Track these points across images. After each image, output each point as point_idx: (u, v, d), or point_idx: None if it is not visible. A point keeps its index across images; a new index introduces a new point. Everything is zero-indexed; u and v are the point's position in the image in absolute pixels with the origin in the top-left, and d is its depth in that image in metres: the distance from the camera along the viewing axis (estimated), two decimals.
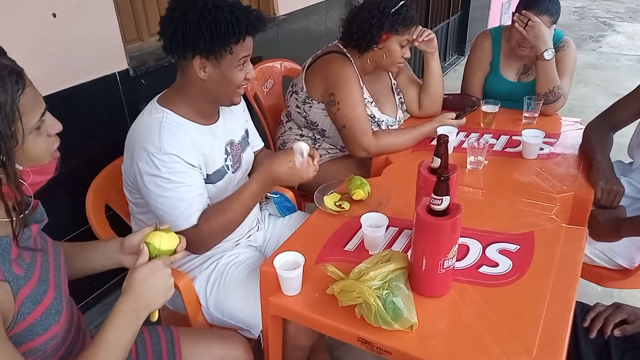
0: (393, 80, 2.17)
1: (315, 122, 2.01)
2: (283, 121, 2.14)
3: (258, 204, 1.69)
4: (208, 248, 1.47)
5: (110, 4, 1.89)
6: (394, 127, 2.08)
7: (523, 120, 2.11)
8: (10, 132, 0.81)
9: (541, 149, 1.86)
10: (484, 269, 1.26)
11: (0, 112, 0.79)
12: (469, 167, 1.77)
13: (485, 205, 1.59)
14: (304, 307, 1.20)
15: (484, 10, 6.05)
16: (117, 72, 1.97)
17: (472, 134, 2.02)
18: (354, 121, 1.86)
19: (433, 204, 1.09)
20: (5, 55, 0.84)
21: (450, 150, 1.76)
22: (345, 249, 1.37)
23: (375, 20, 1.84)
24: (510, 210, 1.53)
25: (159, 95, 1.46)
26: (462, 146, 1.91)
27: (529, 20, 2.03)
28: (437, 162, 1.30)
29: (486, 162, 1.78)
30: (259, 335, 1.44)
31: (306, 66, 2.00)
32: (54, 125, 0.91)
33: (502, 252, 1.32)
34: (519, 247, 1.34)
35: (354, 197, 1.58)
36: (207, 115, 1.48)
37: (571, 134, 2.02)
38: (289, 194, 1.86)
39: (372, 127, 1.96)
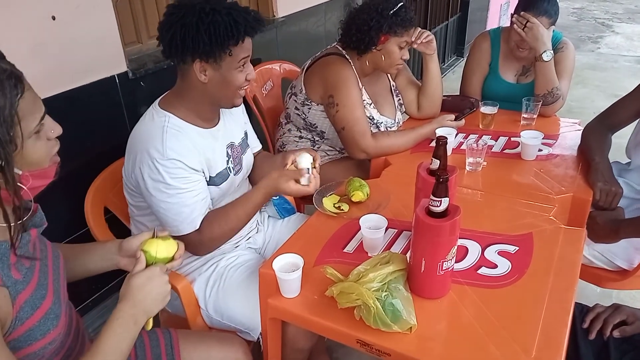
0: (392, 82, 2.17)
1: (314, 124, 2.01)
2: (282, 123, 2.14)
3: None
4: (209, 251, 1.49)
5: (109, 6, 1.89)
6: (393, 129, 2.08)
7: (522, 122, 2.11)
8: (9, 137, 0.80)
9: (540, 150, 1.86)
10: (483, 271, 1.26)
11: None
12: (467, 168, 1.77)
13: (484, 206, 1.59)
14: (303, 309, 1.20)
15: (483, 11, 6.06)
16: (116, 75, 1.97)
17: (471, 135, 2.02)
18: (353, 123, 1.87)
19: (432, 206, 1.09)
20: (4, 59, 0.83)
21: (449, 152, 1.76)
22: (344, 250, 1.37)
23: (374, 22, 1.84)
24: (509, 211, 1.53)
25: (160, 98, 1.46)
26: (461, 147, 1.91)
27: (527, 21, 2.04)
28: (436, 163, 1.30)
29: (485, 163, 1.78)
30: (258, 338, 1.44)
31: (305, 68, 2.00)
32: (53, 128, 0.90)
33: (501, 253, 1.32)
34: (517, 248, 1.34)
35: (353, 199, 1.59)
36: (208, 118, 1.48)
37: (570, 135, 2.02)
38: (288, 196, 1.86)
39: (371, 128, 1.96)
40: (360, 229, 1.38)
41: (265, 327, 1.34)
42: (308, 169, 1.43)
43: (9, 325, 0.86)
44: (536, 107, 2.07)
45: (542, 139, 1.84)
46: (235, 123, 1.61)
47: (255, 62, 2.37)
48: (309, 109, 1.98)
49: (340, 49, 1.98)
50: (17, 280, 0.88)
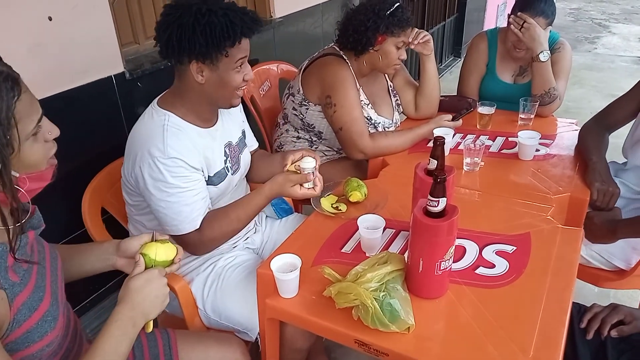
0: (389, 82, 2.17)
1: (312, 124, 2.01)
2: (280, 123, 2.14)
3: None
4: (209, 251, 1.49)
5: (106, 7, 1.89)
6: (390, 129, 2.08)
7: (519, 122, 2.11)
8: (5, 139, 0.79)
9: (537, 150, 1.86)
10: (481, 270, 1.27)
11: None
12: (465, 168, 1.77)
13: (482, 206, 1.59)
14: (301, 309, 1.20)
15: (480, 12, 6.07)
16: (113, 75, 1.97)
17: (468, 135, 2.03)
18: (351, 123, 1.87)
19: (430, 206, 1.09)
20: (1, 61, 0.83)
21: (446, 152, 1.77)
22: (342, 251, 1.37)
23: (371, 23, 1.84)
24: (507, 211, 1.53)
25: (158, 98, 1.45)
26: (459, 148, 1.91)
27: (524, 22, 2.04)
28: (433, 163, 1.30)
29: (482, 163, 1.78)
30: (256, 338, 1.44)
31: (303, 68, 2.00)
32: (51, 130, 0.90)
33: (499, 253, 1.33)
34: (515, 248, 1.34)
35: (351, 199, 1.58)
36: (207, 118, 1.48)
37: (567, 135, 2.03)
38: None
39: (369, 129, 1.96)
40: (358, 229, 1.38)
41: (263, 327, 1.34)
42: (312, 172, 1.45)
43: (7, 327, 0.86)
44: (533, 108, 2.08)
45: (540, 139, 1.85)
46: (233, 122, 1.61)
47: (253, 63, 2.37)
48: (307, 109, 1.98)
49: (338, 49, 1.98)
50: (14, 283, 0.87)
